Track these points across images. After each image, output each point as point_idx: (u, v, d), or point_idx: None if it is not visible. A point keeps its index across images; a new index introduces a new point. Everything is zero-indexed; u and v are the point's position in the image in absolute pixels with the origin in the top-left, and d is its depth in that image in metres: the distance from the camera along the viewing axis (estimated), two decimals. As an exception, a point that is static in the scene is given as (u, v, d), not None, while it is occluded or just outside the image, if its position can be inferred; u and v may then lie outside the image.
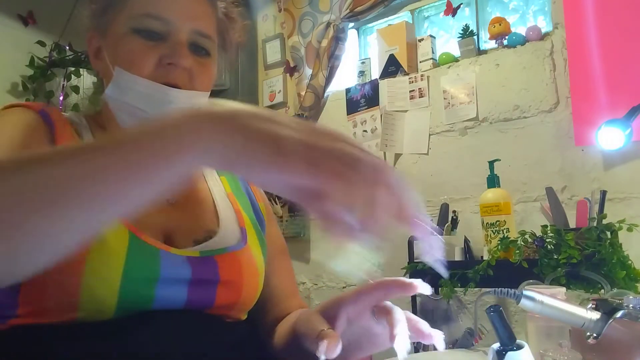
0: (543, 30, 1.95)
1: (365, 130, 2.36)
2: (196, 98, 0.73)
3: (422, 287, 0.58)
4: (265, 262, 0.80)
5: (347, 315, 0.58)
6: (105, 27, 0.74)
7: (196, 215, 0.76)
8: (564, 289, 0.87)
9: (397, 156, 2.25)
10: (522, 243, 1.41)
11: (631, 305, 0.68)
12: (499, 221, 1.53)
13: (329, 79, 2.49)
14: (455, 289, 1.50)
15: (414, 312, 1.68)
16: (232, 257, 0.72)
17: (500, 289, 0.68)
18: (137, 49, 0.70)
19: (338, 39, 2.47)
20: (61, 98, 2.59)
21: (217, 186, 0.83)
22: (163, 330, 0.63)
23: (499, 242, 1.46)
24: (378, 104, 2.32)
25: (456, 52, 2.14)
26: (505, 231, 1.52)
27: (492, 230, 1.54)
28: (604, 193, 1.37)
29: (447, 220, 1.77)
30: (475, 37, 2.09)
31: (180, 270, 0.66)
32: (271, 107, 2.77)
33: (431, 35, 2.24)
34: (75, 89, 2.51)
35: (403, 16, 2.40)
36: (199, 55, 0.74)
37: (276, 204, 2.58)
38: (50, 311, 0.59)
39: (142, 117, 0.70)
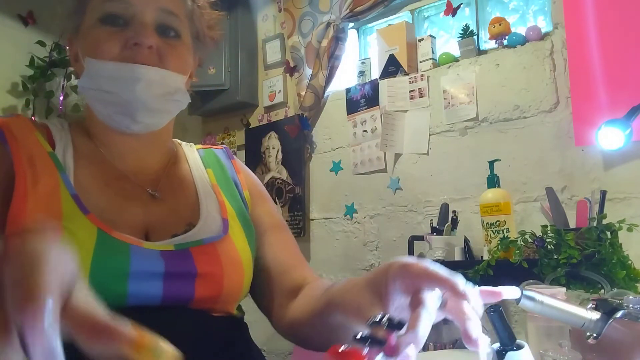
0: (543, 30, 1.95)
1: (365, 130, 2.36)
2: (167, 77, 0.72)
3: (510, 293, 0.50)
4: (255, 246, 0.79)
5: (398, 289, 0.48)
6: (77, 28, 0.75)
7: (177, 207, 0.76)
8: (564, 289, 0.87)
9: (397, 156, 2.25)
10: (522, 243, 1.41)
11: (631, 305, 0.68)
12: (499, 221, 1.53)
13: (329, 79, 2.49)
14: (455, 289, 1.50)
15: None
16: (210, 248, 0.71)
17: (500, 289, 0.68)
18: (102, 36, 0.70)
19: (338, 39, 2.46)
20: (61, 98, 2.59)
21: (201, 177, 0.82)
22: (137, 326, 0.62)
23: (499, 242, 1.46)
24: (378, 104, 2.32)
25: (456, 52, 2.14)
26: (505, 231, 1.52)
27: (492, 230, 1.54)
28: (604, 193, 1.37)
29: (447, 220, 1.77)
30: (475, 37, 2.09)
31: (152, 264, 0.65)
32: (271, 107, 2.77)
33: (431, 35, 2.24)
34: (76, 89, 2.50)
35: (403, 16, 2.40)
36: (167, 37, 0.73)
37: (276, 203, 2.58)
38: None
39: (114, 102, 0.70)
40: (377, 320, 0.41)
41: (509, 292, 0.50)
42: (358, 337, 0.39)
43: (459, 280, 0.47)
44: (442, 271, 0.47)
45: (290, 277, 0.78)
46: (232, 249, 0.73)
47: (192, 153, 0.87)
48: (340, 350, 0.37)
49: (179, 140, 0.88)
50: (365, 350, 0.38)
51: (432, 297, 0.44)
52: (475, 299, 0.47)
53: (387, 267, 0.49)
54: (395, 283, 0.47)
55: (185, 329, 0.65)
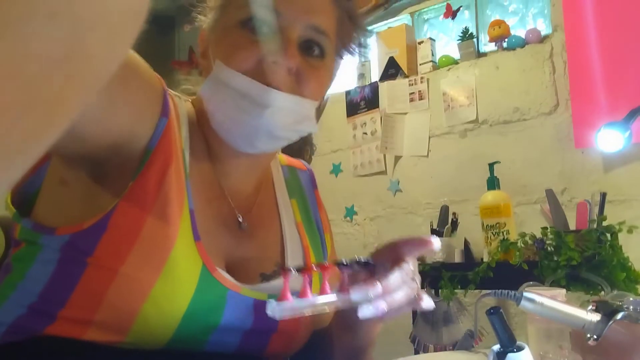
0: (543, 33, 1.95)
1: (365, 133, 2.36)
2: (300, 105, 0.63)
3: (435, 244, 0.56)
4: None
5: (383, 259, 0.57)
6: (215, 23, 0.66)
7: (265, 244, 0.69)
8: (564, 291, 0.87)
9: (397, 158, 2.26)
10: (522, 245, 1.41)
11: (631, 307, 0.68)
12: (499, 223, 1.54)
13: (329, 81, 2.49)
14: (456, 290, 1.50)
15: (414, 313, 1.68)
16: None
17: (500, 290, 0.68)
18: (239, 42, 0.61)
19: (338, 41, 2.47)
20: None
21: (287, 212, 0.74)
22: None
23: (499, 244, 1.46)
24: (378, 106, 2.32)
25: (456, 54, 2.15)
26: (505, 233, 1.52)
27: (492, 232, 1.54)
28: (603, 195, 1.37)
29: (447, 223, 1.77)
30: (475, 39, 2.10)
31: (242, 318, 0.60)
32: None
33: (431, 38, 2.24)
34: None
35: (403, 19, 2.41)
36: (310, 56, 0.64)
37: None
38: (96, 325, 0.52)
39: (237, 121, 0.61)
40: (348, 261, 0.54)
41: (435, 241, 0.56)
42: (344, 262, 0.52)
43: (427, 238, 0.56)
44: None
45: None
46: None
47: (277, 172, 0.78)
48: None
49: None
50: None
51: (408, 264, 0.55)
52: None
53: (379, 248, 0.59)
54: (381, 255, 0.57)
55: None
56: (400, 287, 0.53)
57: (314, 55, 0.64)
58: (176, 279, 0.54)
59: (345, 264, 0.53)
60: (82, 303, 0.52)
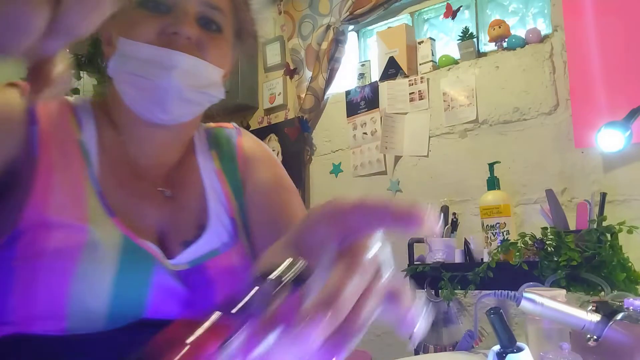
0: (543, 33, 1.95)
1: (365, 133, 2.36)
2: (204, 68, 0.67)
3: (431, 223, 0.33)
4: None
5: (321, 239, 0.35)
6: (116, 11, 0.70)
7: (188, 206, 0.71)
8: (564, 291, 0.87)
9: (397, 158, 2.26)
10: (522, 245, 1.41)
11: (631, 308, 0.68)
12: (499, 223, 1.53)
13: (328, 82, 2.49)
14: (456, 291, 1.50)
15: (414, 314, 1.67)
16: (225, 258, 0.68)
17: (500, 291, 0.68)
18: (139, 18, 0.65)
19: (338, 41, 2.47)
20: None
21: (207, 165, 0.76)
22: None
23: (499, 244, 1.46)
24: (378, 106, 2.32)
25: (456, 54, 2.15)
26: (505, 233, 1.52)
27: (492, 233, 1.54)
28: (603, 195, 1.37)
29: (447, 223, 1.77)
30: (475, 39, 2.10)
31: (171, 281, 0.62)
32: (271, 109, 2.78)
33: (431, 38, 2.24)
34: (76, 92, 2.51)
35: (403, 19, 2.41)
36: (208, 29, 0.68)
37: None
38: (38, 320, 0.55)
39: (147, 88, 0.65)
40: (265, 276, 0.28)
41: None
42: (234, 311, 0.27)
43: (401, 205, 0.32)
44: (377, 199, 0.33)
45: None
46: (243, 256, 0.70)
47: (199, 134, 0.80)
48: (188, 341, 0.26)
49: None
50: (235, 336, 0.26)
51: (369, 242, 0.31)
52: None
53: (307, 214, 0.38)
54: (318, 231, 0.35)
55: None
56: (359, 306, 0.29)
57: (212, 30, 0.69)
58: (98, 254, 0.58)
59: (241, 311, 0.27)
60: (18, 304, 0.56)
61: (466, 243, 1.67)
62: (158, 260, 0.62)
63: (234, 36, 0.74)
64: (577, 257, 1.26)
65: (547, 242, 1.35)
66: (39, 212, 0.58)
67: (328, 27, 2.47)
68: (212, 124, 0.83)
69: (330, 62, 2.47)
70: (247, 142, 0.82)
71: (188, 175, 0.74)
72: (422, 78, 2.20)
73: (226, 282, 0.66)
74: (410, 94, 2.23)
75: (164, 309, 0.62)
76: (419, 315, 0.32)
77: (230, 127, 0.84)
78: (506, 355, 0.59)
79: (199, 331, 0.26)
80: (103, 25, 0.70)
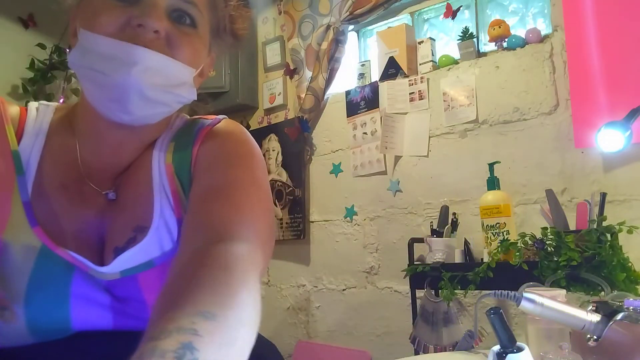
0: (543, 33, 1.95)
1: (365, 133, 2.36)
2: (171, 65, 0.61)
3: None
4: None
5: None
6: (80, 0, 0.65)
7: (129, 208, 0.65)
8: (564, 291, 0.87)
9: (397, 158, 2.25)
10: (522, 245, 1.41)
11: (631, 308, 0.68)
12: (499, 223, 1.53)
13: (329, 82, 2.49)
14: (456, 291, 1.49)
15: (414, 314, 1.67)
16: (160, 271, 0.61)
17: (500, 291, 0.68)
18: (102, 8, 0.60)
19: (338, 41, 2.47)
20: (61, 100, 2.59)
21: (160, 156, 0.69)
22: (91, 357, 0.58)
23: (499, 244, 1.46)
24: (378, 106, 2.32)
25: (456, 54, 2.15)
26: (505, 233, 1.52)
27: (492, 233, 1.54)
28: (603, 195, 1.37)
29: (447, 223, 1.77)
30: (475, 39, 2.10)
31: (93, 291, 0.59)
32: (271, 109, 2.78)
33: (431, 38, 2.24)
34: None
35: (403, 19, 2.41)
36: (180, 23, 0.63)
37: (276, 205, 2.58)
38: None
39: (106, 84, 0.60)
40: None
41: None
42: None
43: None
44: None
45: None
46: None
47: (171, 131, 0.73)
48: None
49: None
50: None
51: None
52: None
53: None
54: None
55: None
56: None
57: (185, 24, 0.64)
58: (11, 262, 0.57)
59: None
60: None
61: (466, 243, 1.67)
62: (79, 268, 0.59)
63: (211, 33, 0.69)
64: (577, 257, 1.26)
65: (547, 242, 1.35)
66: None
67: (328, 27, 2.47)
68: (197, 116, 0.76)
69: (330, 62, 2.47)
70: (215, 133, 0.71)
71: (137, 173, 0.68)
72: (422, 78, 2.20)
73: (156, 292, 0.61)
74: (410, 94, 2.23)
75: (91, 320, 0.59)
76: None
77: (211, 118, 0.74)
78: (506, 355, 0.59)
79: None
80: (71, 14, 0.65)
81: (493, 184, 1.63)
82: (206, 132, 0.71)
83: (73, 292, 0.58)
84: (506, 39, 1.99)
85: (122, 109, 0.61)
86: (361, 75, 2.43)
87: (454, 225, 1.77)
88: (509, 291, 0.68)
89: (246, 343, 0.43)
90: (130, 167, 0.69)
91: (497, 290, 0.68)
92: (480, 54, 2.09)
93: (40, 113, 0.68)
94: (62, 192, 0.64)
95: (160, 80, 0.61)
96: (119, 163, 0.68)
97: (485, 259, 1.50)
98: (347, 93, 2.45)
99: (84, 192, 0.65)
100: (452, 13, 2.19)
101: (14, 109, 0.67)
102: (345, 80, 2.53)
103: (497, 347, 0.61)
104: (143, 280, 0.61)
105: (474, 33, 2.11)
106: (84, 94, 0.65)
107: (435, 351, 1.50)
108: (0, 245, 0.57)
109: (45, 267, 0.58)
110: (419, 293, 1.69)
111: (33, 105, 0.70)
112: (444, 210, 1.81)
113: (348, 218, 2.40)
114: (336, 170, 2.47)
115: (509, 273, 1.37)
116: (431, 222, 1.91)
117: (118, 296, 0.60)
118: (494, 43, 2.03)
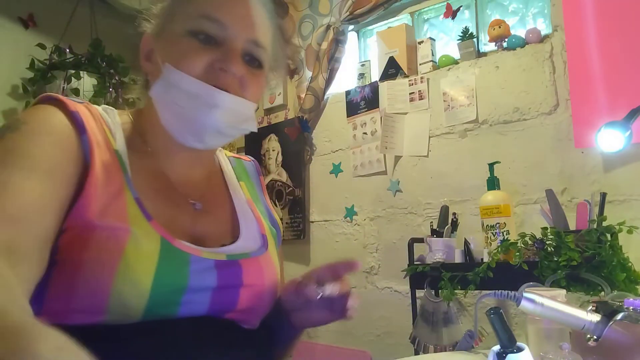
0: (543, 33, 1.95)
1: (365, 133, 2.36)
2: (244, 106, 0.72)
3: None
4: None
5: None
6: (161, 29, 0.73)
7: (221, 220, 0.77)
8: (564, 291, 0.87)
9: (397, 158, 2.25)
10: (522, 245, 1.41)
11: (631, 308, 0.68)
12: (499, 223, 1.53)
13: (328, 82, 2.49)
14: (456, 291, 1.50)
15: (414, 314, 1.67)
16: (255, 261, 0.74)
17: (500, 291, 0.68)
18: (189, 49, 0.69)
19: (338, 41, 2.47)
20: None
21: (237, 192, 0.83)
22: (183, 339, 0.64)
23: (499, 244, 1.46)
24: (378, 106, 2.32)
25: (456, 54, 2.15)
26: (505, 233, 1.52)
27: (492, 233, 1.54)
28: (603, 195, 1.37)
29: (447, 223, 1.77)
30: (475, 39, 2.10)
31: (207, 278, 0.66)
32: (271, 109, 2.78)
33: (431, 38, 2.24)
34: (76, 92, 2.51)
35: (403, 19, 2.41)
36: (251, 66, 0.73)
37: (276, 205, 2.58)
38: (77, 312, 0.59)
39: (187, 119, 0.69)
40: None
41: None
42: None
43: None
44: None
45: None
46: (272, 265, 0.77)
47: (225, 161, 0.88)
48: None
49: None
50: None
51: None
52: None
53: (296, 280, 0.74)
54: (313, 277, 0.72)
55: (221, 340, 0.67)
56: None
57: (254, 66, 0.74)
58: (139, 253, 0.61)
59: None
60: (58, 296, 0.59)
61: (466, 243, 1.67)
62: (195, 255, 0.66)
63: (270, 69, 0.79)
64: (577, 257, 1.26)
65: (547, 242, 1.35)
66: (83, 213, 0.60)
67: (328, 27, 2.47)
68: (230, 154, 0.91)
69: (330, 62, 2.47)
70: (264, 186, 0.94)
71: (219, 196, 0.81)
72: (422, 78, 2.20)
73: (253, 277, 0.72)
74: (410, 94, 2.23)
75: (196, 301, 0.65)
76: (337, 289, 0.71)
77: (249, 161, 0.93)
78: (506, 355, 0.59)
79: None
80: (145, 41, 0.75)
81: (493, 184, 1.63)
82: (263, 184, 0.93)
83: (190, 283, 0.64)
84: (506, 39, 1.99)
85: (198, 140, 0.71)
86: (361, 75, 2.43)
87: (454, 225, 1.77)
88: (509, 291, 0.68)
89: None
90: (208, 188, 0.80)
91: (497, 290, 0.68)
92: (480, 54, 2.09)
93: (110, 117, 0.73)
94: (158, 195, 0.71)
95: (233, 119, 0.71)
96: (192, 178, 0.78)
97: (485, 259, 1.50)
98: (347, 93, 2.45)
99: (173, 198, 0.73)
100: (452, 13, 2.19)
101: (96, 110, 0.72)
102: (345, 80, 2.53)
103: (497, 347, 0.61)
104: (244, 264, 0.72)
105: (474, 33, 2.11)
106: (160, 119, 0.71)
107: (435, 351, 1.50)
108: (128, 234, 0.61)
109: (169, 257, 0.63)
110: (419, 293, 1.69)
111: (98, 107, 0.74)
112: (444, 210, 1.81)
113: (348, 218, 2.40)
114: (336, 170, 2.47)
115: (509, 273, 1.37)
116: (431, 222, 1.91)
117: (222, 278, 0.68)
118: (494, 43, 2.03)
